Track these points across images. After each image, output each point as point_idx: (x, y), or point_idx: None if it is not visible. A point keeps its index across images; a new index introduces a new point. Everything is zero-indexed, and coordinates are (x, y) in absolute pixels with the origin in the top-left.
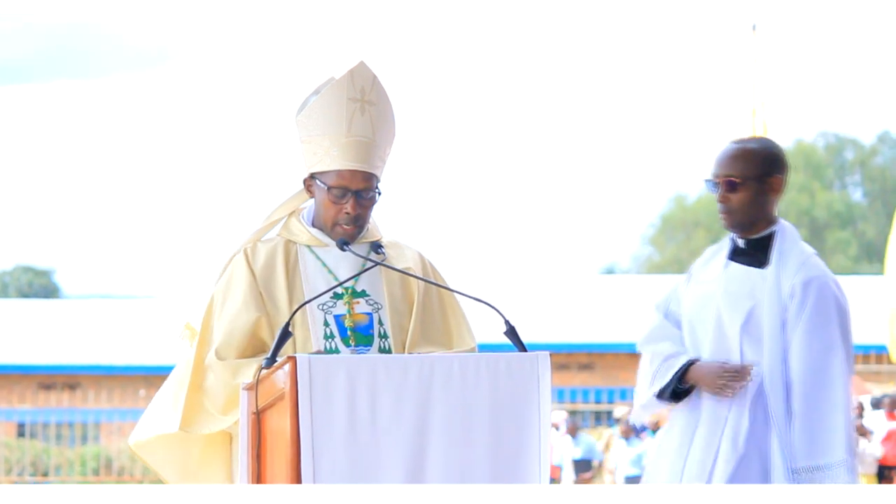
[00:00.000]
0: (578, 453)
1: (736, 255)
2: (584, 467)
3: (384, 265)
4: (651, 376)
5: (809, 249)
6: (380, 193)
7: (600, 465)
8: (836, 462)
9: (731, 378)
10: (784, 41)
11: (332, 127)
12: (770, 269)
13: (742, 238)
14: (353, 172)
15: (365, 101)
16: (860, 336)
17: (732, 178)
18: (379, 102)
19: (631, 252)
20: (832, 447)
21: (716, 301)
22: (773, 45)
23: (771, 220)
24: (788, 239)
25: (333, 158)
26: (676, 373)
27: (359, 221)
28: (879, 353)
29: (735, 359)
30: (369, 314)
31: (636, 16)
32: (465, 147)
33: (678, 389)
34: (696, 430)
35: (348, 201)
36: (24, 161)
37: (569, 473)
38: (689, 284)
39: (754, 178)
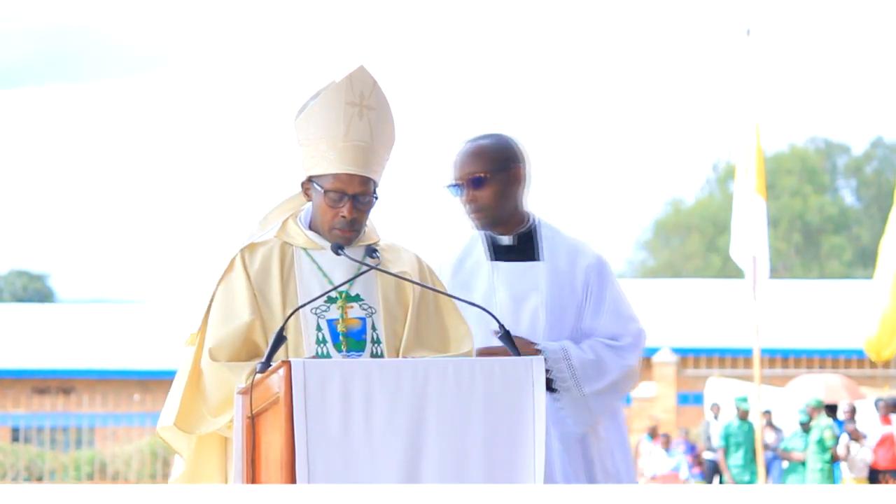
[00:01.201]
0: None
1: (500, 254)
2: None
3: (379, 269)
4: None
5: (574, 234)
6: (377, 198)
7: None
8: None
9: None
10: (779, 46)
11: (330, 130)
12: (547, 261)
13: (506, 235)
14: (350, 176)
15: (364, 105)
16: (856, 340)
17: (478, 175)
18: (378, 107)
19: (625, 257)
20: (597, 378)
21: (500, 308)
22: (767, 50)
23: (524, 214)
24: (551, 228)
25: (330, 162)
26: None
27: (355, 225)
28: None
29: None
30: (362, 319)
31: (631, 21)
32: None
33: None
34: None
35: (345, 205)
36: (18, 165)
37: None
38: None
39: (499, 171)
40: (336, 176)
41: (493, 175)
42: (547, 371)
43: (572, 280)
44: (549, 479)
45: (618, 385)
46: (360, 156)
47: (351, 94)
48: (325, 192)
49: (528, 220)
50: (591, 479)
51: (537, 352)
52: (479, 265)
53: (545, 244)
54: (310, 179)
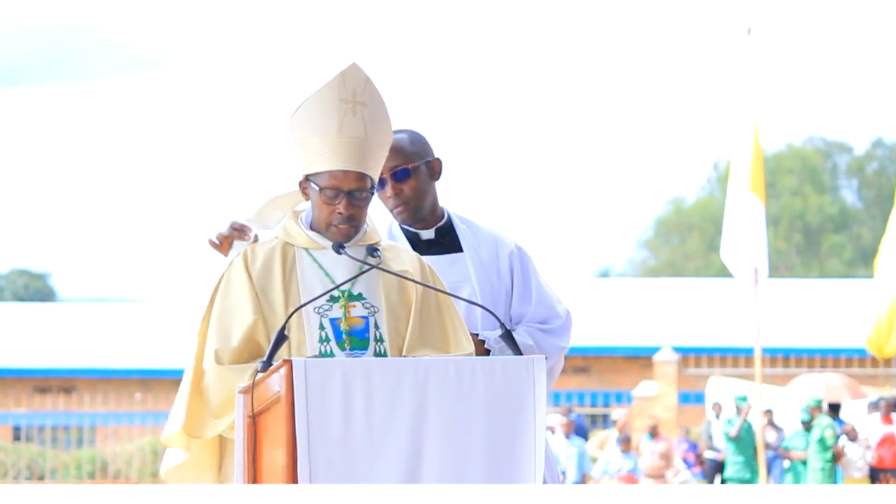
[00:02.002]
0: None
1: (423, 250)
2: None
3: (381, 268)
4: None
5: (484, 222)
6: (373, 193)
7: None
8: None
9: None
10: (780, 46)
11: (324, 128)
12: (469, 252)
13: (425, 230)
14: (346, 173)
15: (357, 102)
16: (857, 339)
17: (402, 167)
18: (371, 104)
19: (626, 255)
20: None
21: None
22: (768, 49)
23: (440, 208)
24: (466, 221)
25: (325, 159)
26: None
27: (353, 221)
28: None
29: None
30: (365, 318)
31: (632, 19)
32: (460, 150)
33: None
34: None
35: (341, 202)
36: (19, 164)
37: None
38: None
39: (421, 163)
40: (331, 173)
41: (417, 167)
42: None
43: (498, 268)
44: None
45: (554, 368)
46: (354, 152)
47: (344, 91)
48: (321, 189)
49: (444, 215)
50: None
51: (481, 343)
52: None
53: (464, 236)
54: (306, 178)
